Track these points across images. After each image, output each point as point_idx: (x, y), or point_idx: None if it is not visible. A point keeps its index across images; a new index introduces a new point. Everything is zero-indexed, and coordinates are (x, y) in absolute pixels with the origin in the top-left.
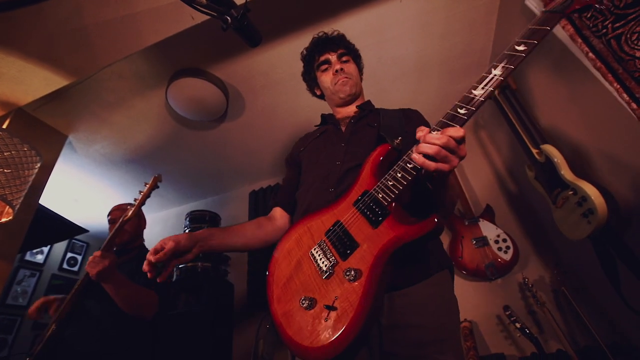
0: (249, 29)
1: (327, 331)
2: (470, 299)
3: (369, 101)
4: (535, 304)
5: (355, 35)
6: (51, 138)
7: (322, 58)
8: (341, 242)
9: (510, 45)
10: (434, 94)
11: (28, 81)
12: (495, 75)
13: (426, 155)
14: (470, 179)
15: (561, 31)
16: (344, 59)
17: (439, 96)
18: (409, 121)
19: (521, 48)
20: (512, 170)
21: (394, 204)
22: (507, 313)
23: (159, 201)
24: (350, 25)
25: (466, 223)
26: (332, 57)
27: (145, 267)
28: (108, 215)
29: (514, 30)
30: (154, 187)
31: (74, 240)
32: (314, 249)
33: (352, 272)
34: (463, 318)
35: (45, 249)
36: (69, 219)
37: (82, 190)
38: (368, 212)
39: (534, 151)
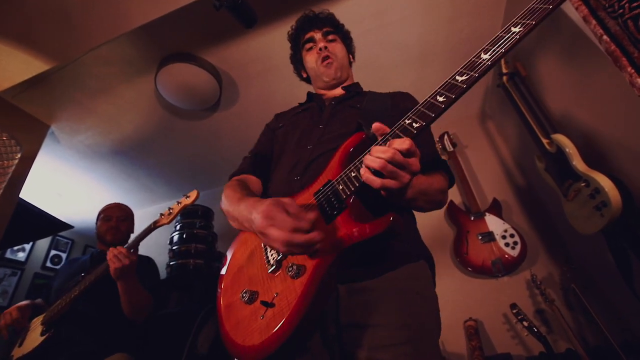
0: (243, 8)
1: (260, 330)
2: (476, 296)
3: (356, 83)
4: (543, 302)
5: (356, 19)
6: (32, 128)
7: (307, 36)
8: None
9: None
10: (438, 82)
11: (5, 65)
12: (514, 32)
13: (373, 170)
14: (477, 171)
15: (574, 13)
16: (329, 37)
17: None
18: (395, 107)
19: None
20: (521, 161)
21: (352, 198)
22: (515, 311)
23: (148, 196)
24: (350, 8)
25: (472, 218)
26: (317, 35)
27: None
28: (101, 213)
29: None
30: (194, 201)
31: (57, 237)
32: None
33: (295, 268)
34: (468, 316)
35: (27, 246)
36: (52, 214)
37: (65, 184)
38: (325, 205)
39: (545, 141)
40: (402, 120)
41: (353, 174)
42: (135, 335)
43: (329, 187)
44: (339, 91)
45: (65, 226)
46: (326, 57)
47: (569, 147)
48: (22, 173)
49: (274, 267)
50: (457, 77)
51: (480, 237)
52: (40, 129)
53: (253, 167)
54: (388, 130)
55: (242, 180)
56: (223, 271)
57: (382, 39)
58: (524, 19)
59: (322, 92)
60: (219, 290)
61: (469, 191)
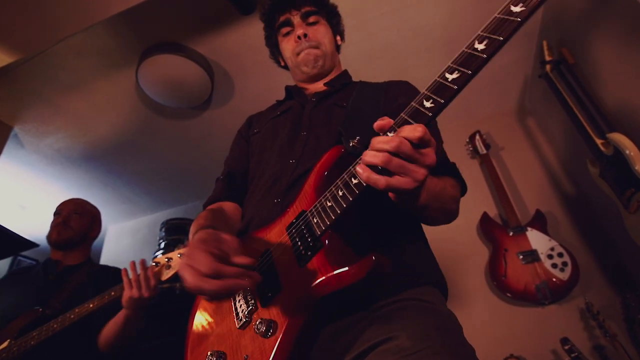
0: None
1: None
2: (518, 328)
3: (344, 72)
4: (602, 336)
5: (368, 2)
6: None
7: (283, 18)
8: (264, 281)
9: None
10: None
11: None
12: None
13: (373, 167)
14: (515, 177)
15: None
16: (310, 19)
17: (477, 75)
18: (391, 101)
19: None
20: (569, 166)
21: (328, 233)
22: (567, 347)
23: (128, 208)
24: None
25: (510, 233)
26: (295, 18)
27: None
28: (55, 212)
29: None
30: None
31: (19, 257)
32: None
33: (264, 324)
34: (509, 353)
35: None
36: (12, 230)
37: (30, 195)
38: (299, 242)
39: (599, 142)
40: (412, 103)
41: (329, 204)
42: None
43: (302, 219)
44: (322, 85)
45: (29, 244)
46: (307, 48)
47: (630, 149)
48: None
49: (243, 321)
50: (477, 45)
51: (521, 257)
52: (1, 130)
53: (228, 191)
54: (390, 123)
55: (216, 210)
56: (190, 324)
57: (400, 23)
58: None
59: (303, 85)
60: (185, 352)
61: (507, 201)
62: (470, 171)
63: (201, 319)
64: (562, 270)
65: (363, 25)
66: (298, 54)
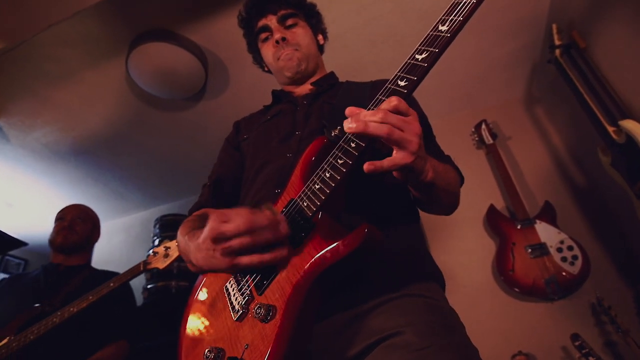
0: None
1: None
2: (526, 325)
3: (330, 73)
4: (614, 332)
5: None
6: None
7: (260, 24)
8: (259, 269)
9: None
10: (474, 58)
11: None
12: None
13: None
14: (523, 168)
15: None
16: (288, 22)
17: (482, 61)
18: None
19: None
20: (579, 155)
21: (320, 215)
22: (577, 343)
23: (120, 204)
24: None
25: (518, 226)
26: (272, 22)
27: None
28: (56, 216)
29: None
30: None
31: (7, 257)
32: (229, 282)
33: (262, 310)
34: (517, 350)
35: None
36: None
37: (17, 192)
38: (290, 227)
39: (610, 129)
40: (386, 85)
41: (317, 186)
42: None
43: (292, 206)
44: (308, 87)
45: (17, 243)
46: (287, 50)
47: None
48: None
49: (240, 312)
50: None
51: (529, 250)
52: None
53: (214, 198)
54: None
55: (202, 215)
56: (184, 327)
57: (403, 7)
58: None
59: (290, 88)
60: (179, 352)
61: (514, 193)
62: (476, 162)
63: (195, 321)
64: (572, 264)
65: (364, 10)
66: (278, 58)
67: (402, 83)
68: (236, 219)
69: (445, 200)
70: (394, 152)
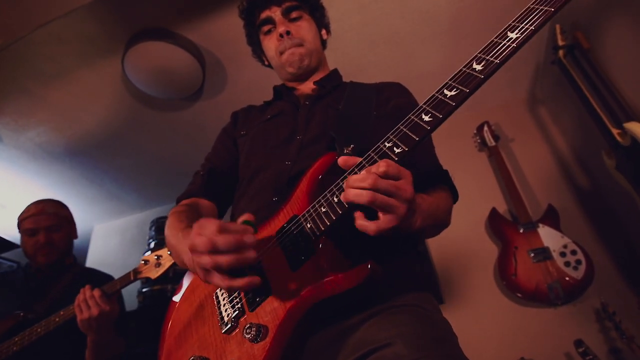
0: None
1: None
2: (529, 330)
3: (334, 71)
4: (619, 339)
5: None
6: None
7: (263, 16)
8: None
9: None
10: None
11: None
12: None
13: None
14: (526, 171)
15: None
16: (292, 15)
17: None
18: (384, 103)
19: None
20: (583, 158)
21: (322, 239)
22: (581, 350)
23: (115, 206)
24: None
25: (520, 230)
26: (276, 14)
27: None
28: (20, 222)
29: None
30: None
31: None
32: (220, 289)
33: (253, 329)
34: (519, 356)
35: None
36: None
37: (10, 192)
38: (290, 247)
39: (615, 132)
40: (381, 143)
41: (324, 209)
42: None
43: (294, 224)
44: (311, 86)
45: (9, 245)
46: (291, 46)
47: None
48: None
49: (229, 326)
50: (446, 92)
51: (532, 255)
52: None
53: (206, 188)
54: (357, 161)
55: (192, 205)
56: (166, 325)
57: (404, 8)
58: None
59: (292, 84)
60: (160, 353)
61: (517, 196)
62: (478, 164)
63: (179, 323)
64: (575, 268)
65: (364, 9)
66: (282, 53)
67: (427, 118)
68: (203, 234)
69: (430, 233)
70: (380, 215)
